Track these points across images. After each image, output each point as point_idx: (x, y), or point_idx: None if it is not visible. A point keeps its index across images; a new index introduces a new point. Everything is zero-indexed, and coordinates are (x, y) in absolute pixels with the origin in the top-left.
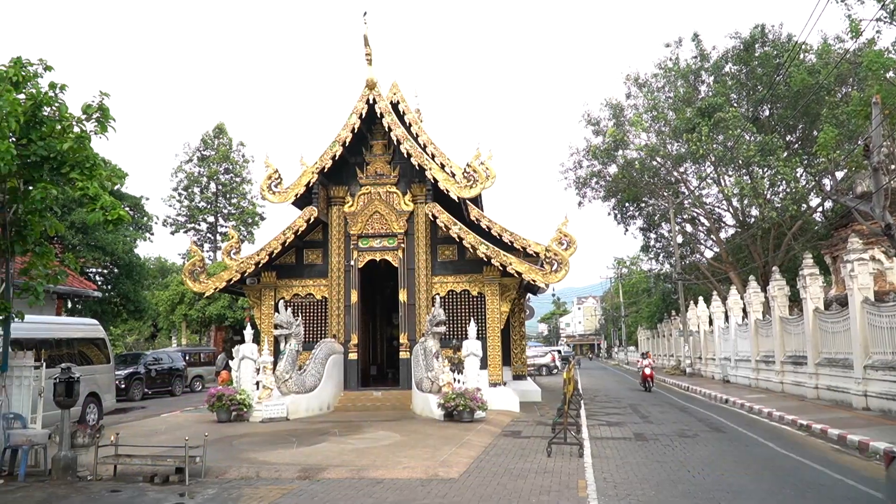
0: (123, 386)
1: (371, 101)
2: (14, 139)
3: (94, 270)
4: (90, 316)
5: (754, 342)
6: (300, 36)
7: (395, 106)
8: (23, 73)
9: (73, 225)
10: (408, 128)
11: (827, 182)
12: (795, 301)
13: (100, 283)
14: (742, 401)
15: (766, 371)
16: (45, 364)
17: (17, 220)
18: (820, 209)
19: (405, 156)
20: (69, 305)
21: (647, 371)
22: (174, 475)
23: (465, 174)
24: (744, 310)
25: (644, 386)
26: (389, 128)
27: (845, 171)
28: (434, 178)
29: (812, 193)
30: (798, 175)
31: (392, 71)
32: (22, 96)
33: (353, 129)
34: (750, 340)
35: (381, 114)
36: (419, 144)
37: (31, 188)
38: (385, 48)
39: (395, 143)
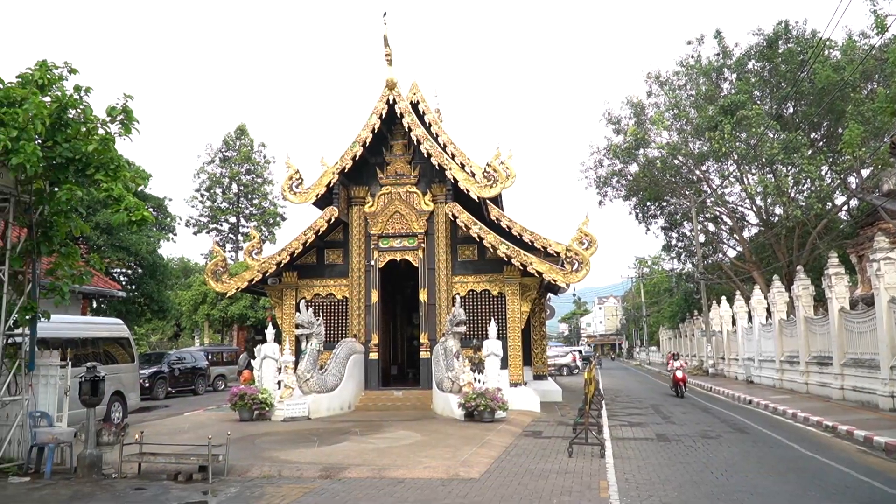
0: (147, 385)
1: (391, 102)
2: (40, 141)
3: (118, 271)
4: (115, 315)
5: (778, 342)
6: (322, 37)
7: (414, 106)
8: (48, 77)
9: (98, 226)
10: (428, 128)
11: (852, 180)
12: (820, 301)
13: (124, 283)
14: (766, 402)
15: (791, 372)
16: (70, 363)
17: (43, 221)
18: (845, 207)
19: (425, 156)
20: (94, 305)
21: (679, 374)
22: (197, 473)
23: (485, 174)
24: (767, 310)
25: (675, 391)
26: (409, 128)
27: (871, 168)
28: (454, 178)
29: (837, 191)
30: (823, 173)
31: (412, 71)
32: (47, 99)
33: (374, 129)
34: (774, 341)
35: (401, 114)
36: (439, 144)
37: (56, 189)
38: (405, 48)
39: (415, 143)
